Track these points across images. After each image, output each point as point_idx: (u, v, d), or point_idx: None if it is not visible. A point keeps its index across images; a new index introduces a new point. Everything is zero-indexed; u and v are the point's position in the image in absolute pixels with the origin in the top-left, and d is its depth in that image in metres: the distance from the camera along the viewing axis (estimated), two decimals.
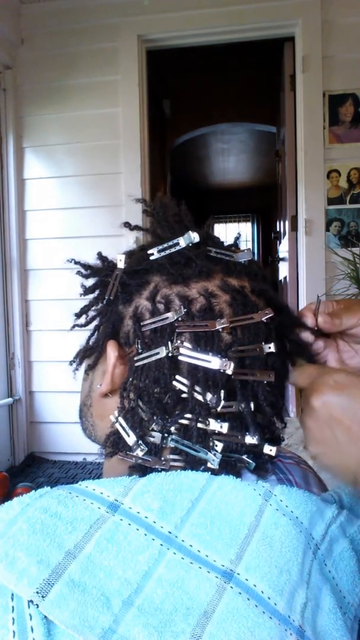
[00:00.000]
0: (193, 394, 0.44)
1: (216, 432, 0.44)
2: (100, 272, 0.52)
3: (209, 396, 0.43)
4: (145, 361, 0.45)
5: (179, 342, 0.44)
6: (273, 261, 3.54)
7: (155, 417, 0.44)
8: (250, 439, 0.45)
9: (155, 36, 2.65)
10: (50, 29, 2.69)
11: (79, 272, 0.53)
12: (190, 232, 0.47)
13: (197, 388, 0.44)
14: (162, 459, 0.45)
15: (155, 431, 0.45)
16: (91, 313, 0.53)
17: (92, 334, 0.53)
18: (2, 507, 0.37)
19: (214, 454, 0.44)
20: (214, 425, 0.44)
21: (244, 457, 0.45)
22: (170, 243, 0.47)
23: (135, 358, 0.46)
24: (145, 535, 0.37)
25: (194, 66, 3.70)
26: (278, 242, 3.43)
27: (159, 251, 0.47)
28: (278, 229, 3.47)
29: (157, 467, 0.44)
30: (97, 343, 0.51)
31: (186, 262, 0.46)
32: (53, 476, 2.58)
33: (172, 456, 0.45)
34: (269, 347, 0.46)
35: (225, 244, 0.52)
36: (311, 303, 0.52)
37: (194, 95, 4.27)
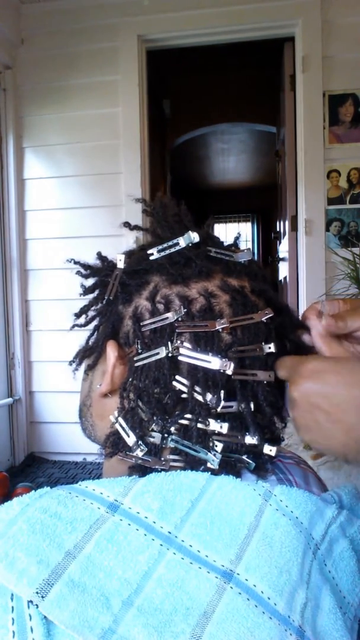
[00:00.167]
0: (193, 394, 0.44)
1: (216, 432, 0.44)
2: (99, 272, 0.52)
3: (208, 396, 0.43)
4: (145, 361, 0.45)
5: (178, 342, 0.44)
6: (273, 261, 3.54)
7: (155, 418, 0.44)
8: (250, 439, 0.45)
9: (155, 36, 2.65)
10: (50, 29, 2.69)
11: (78, 272, 0.53)
12: (190, 232, 0.47)
13: (197, 388, 0.44)
14: (162, 459, 0.45)
15: (155, 431, 0.45)
16: (91, 313, 0.53)
17: (91, 334, 0.53)
18: (2, 507, 0.37)
19: (214, 454, 0.44)
20: (214, 425, 0.44)
21: (244, 457, 0.45)
22: (170, 243, 0.47)
23: (135, 358, 0.46)
24: (145, 535, 0.37)
25: (194, 66, 3.70)
26: (278, 242, 3.43)
27: (158, 251, 0.47)
28: (278, 229, 3.47)
29: (157, 467, 0.44)
30: (97, 343, 0.51)
31: (186, 262, 0.46)
32: (53, 476, 2.58)
33: (172, 456, 0.45)
34: (269, 347, 0.46)
35: (225, 244, 0.52)
36: (316, 303, 0.51)
37: (194, 95, 4.27)
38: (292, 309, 0.52)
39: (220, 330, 0.44)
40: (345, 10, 2.46)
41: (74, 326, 0.53)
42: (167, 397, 0.44)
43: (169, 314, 0.44)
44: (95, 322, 0.52)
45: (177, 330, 0.44)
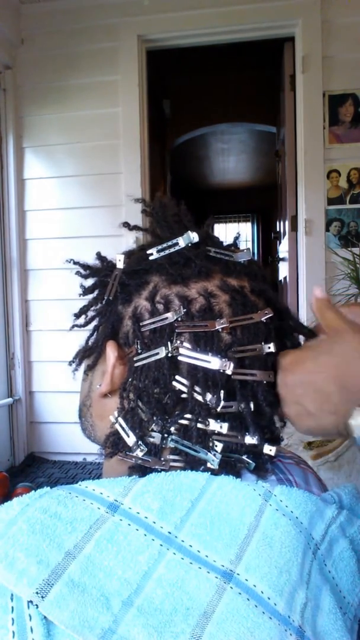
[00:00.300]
0: (193, 394, 0.44)
1: (216, 432, 0.44)
2: (99, 272, 0.52)
3: (208, 396, 0.43)
4: (144, 361, 0.45)
5: (178, 342, 0.44)
6: (273, 261, 3.54)
7: (155, 418, 0.44)
8: (250, 439, 0.45)
9: (155, 36, 2.65)
10: (50, 29, 2.69)
11: (78, 273, 0.53)
12: (189, 232, 0.47)
13: (197, 388, 0.44)
14: (162, 459, 0.45)
15: (155, 431, 0.45)
16: (90, 313, 0.53)
17: (91, 334, 0.53)
18: (2, 508, 0.37)
19: (214, 454, 0.44)
20: (214, 425, 0.44)
21: (244, 457, 0.45)
22: (170, 243, 0.47)
23: (135, 358, 0.46)
24: (145, 535, 0.37)
25: (194, 66, 3.70)
26: (278, 242, 3.43)
27: (158, 251, 0.47)
28: (278, 229, 3.47)
29: (156, 467, 0.44)
30: (97, 343, 0.51)
31: (185, 262, 0.46)
32: (53, 476, 2.58)
33: (171, 456, 0.45)
34: (269, 347, 0.46)
35: (225, 244, 0.52)
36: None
37: (194, 95, 4.27)
38: (292, 311, 0.52)
39: (220, 330, 0.44)
40: (345, 10, 2.46)
41: (73, 326, 0.53)
42: (167, 397, 0.44)
43: (168, 314, 0.44)
44: (94, 323, 0.52)
45: (176, 330, 0.44)
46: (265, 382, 0.46)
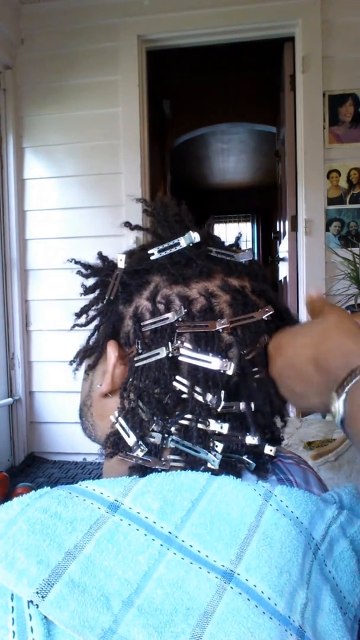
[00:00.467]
0: (193, 394, 0.43)
1: (216, 432, 0.44)
2: (100, 271, 0.52)
3: (209, 397, 0.43)
4: (145, 361, 0.45)
5: (179, 342, 0.44)
6: (273, 261, 3.54)
7: (155, 418, 0.44)
8: (250, 440, 0.45)
9: (155, 36, 2.65)
10: (50, 29, 2.70)
11: (79, 272, 0.53)
12: (190, 232, 0.47)
13: (197, 389, 0.43)
14: (162, 459, 0.45)
15: (155, 432, 0.45)
16: (91, 313, 0.53)
17: (92, 334, 0.53)
18: (2, 508, 0.37)
19: (214, 455, 0.44)
20: (214, 425, 0.44)
21: (244, 457, 0.45)
22: (171, 243, 0.47)
23: (136, 358, 0.46)
24: (146, 535, 0.37)
25: (194, 66, 3.70)
26: (278, 242, 3.43)
27: (159, 251, 0.47)
28: (278, 229, 3.47)
29: (157, 467, 0.44)
30: (97, 343, 0.51)
31: (187, 262, 0.46)
32: (53, 476, 2.58)
33: (172, 456, 0.45)
34: (264, 339, 0.46)
35: (226, 244, 0.52)
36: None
37: (194, 95, 4.27)
38: (292, 311, 0.52)
39: (221, 330, 0.44)
40: (345, 10, 2.46)
41: (74, 326, 0.53)
42: (168, 397, 0.44)
43: (169, 314, 0.44)
44: (95, 322, 0.52)
45: (177, 331, 0.44)
46: (266, 379, 0.46)
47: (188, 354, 0.44)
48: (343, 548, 0.41)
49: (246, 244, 7.86)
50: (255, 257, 0.52)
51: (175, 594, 0.34)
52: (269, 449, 0.46)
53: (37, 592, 0.32)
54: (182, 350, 0.44)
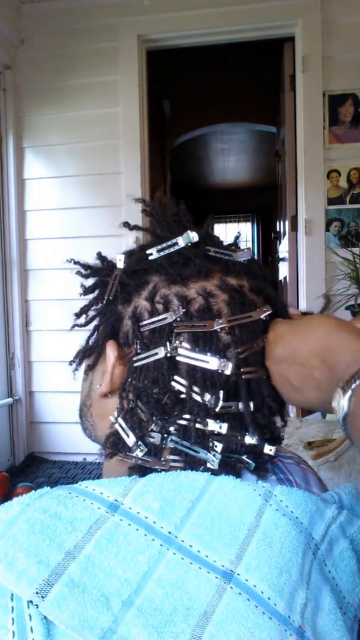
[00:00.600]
0: (191, 394, 0.43)
1: (215, 432, 0.44)
2: (99, 272, 0.52)
3: (207, 397, 0.43)
4: (144, 361, 0.45)
5: (177, 342, 0.44)
6: (273, 261, 3.54)
7: (154, 418, 0.44)
8: (249, 439, 0.45)
9: (155, 36, 2.65)
10: (50, 29, 2.69)
11: (78, 272, 0.53)
12: (189, 231, 0.47)
13: (196, 388, 0.43)
14: (162, 459, 0.45)
15: (154, 432, 0.45)
16: (91, 313, 0.53)
17: (91, 334, 0.53)
18: (2, 508, 0.37)
19: (214, 455, 0.44)
20: (213, 425, 0.44)
21: (244, 457, 0.45)
22: (169, 243, 0.47)
23: (134, 358, 0.46)
24: (145, 535, 0.37)
25: (194, 66, 3.70)
26: (278, 242, 3.43)
27: (158, 251, 0.47)
28: (278, 229, 3.47)
29: (157, 467, 0.44)
30: (97, 343, 0.51)
31: (185, 261, 0.46)
32: (53, 476, 2.58)
33: (171, 457, 0.45)
34: (262, 340, 0.46)
35: (225, 243, 0.52)
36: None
37: (194, 95, 4.27)
38: (291, 309, 0.52)
39: (219, 330, 0.44)
40: (345, 10, 2.46)
41: (74, 326, 0.53)
42: (166, 397, 0.44)
43: (167, 314, 0.44)
44: (95, 322, 0.52)
45: (175, 331, 0.44)
46: (265, 378, 0.46)
47: (186, 354, 0.44)
48: (343, 548, 0.41)
49: (246, 244, 7.86)
50: (255, 256, 0.52)
51: (175, 594, 0.34)
52: (268, 449, 0.46)
53: (37, 592, 0.32)
54: (180, 350, 0.44)
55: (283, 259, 3.00)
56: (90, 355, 0.52)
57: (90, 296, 0.53)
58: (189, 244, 0.46)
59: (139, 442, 0.45)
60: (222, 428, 0.44)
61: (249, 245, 7.99)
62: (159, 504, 0.38)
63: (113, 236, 2.57)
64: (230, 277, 0.47)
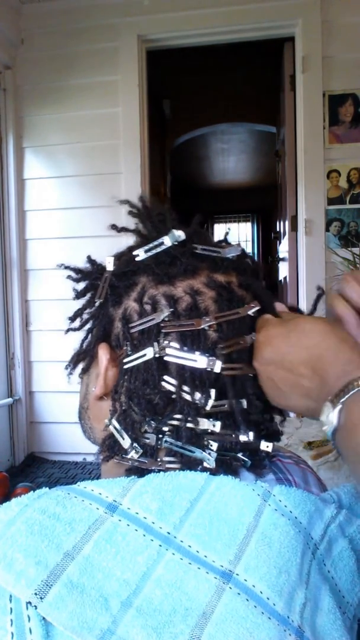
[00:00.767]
0: (181, 394, 0.43)
1: (209, 431, 0.44)
2: (90, 275, 0.52)
3: (197, 396, 0.43)
4: (134, 363, 0.45)
5: (166, 342, 0.44)
6: (273, 261, 3.55)
7: (146, 419, 0.44)
8: (244, 437, 0.44)
9: (155, 36, 2.65)
10: (50, 29, 2.69)
11: (69, 277, 0.53)
12: (174, 230, 0.46)
13: (185, 388, 0.43)
14: (158, 460, 0.44)
15: (148, 432, 0.44)
16: (85, 316, 0.53)
17: (85, 337, 0.53)
18: (1, 508, 0.37)
19: (209, 453, 0.43)
20: (207, 424, 0.43)
21: (239, 455, 0.45)
22: (156, 243, 0.47)
23: (125, 360, 0.45)
24: (144, 535, 0.37)
25: (194, 66, 3.70)
26: (278, 242, 3.43)
27: (145, 251, 0.47)
28: (278, 229, 3.47)
29: (153, 468, 0.44)
30: (90, 346, 0.51)
31: (172, 261, 0.46)
32: (53, 476, 2.58)
33: (167, 458, 0.44)
34: (252, 338, 0.45)
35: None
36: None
37: (194, 95, 4.27)
38: (278, 304, 0.51)
39: (207, 328, 0.44)
40: (345, 10, 2.46)
41: (68, 330, 0.53)
42: (158, 397, 0.44)
43: (155, 315, 0.44)
44: (89, 325, 0.52)
45: (163, 331, 0.44)
46: (253, 375, 0.45)
47: (174, 354, 0.43)
48: (342, 547, 0.41)
49: (246, 244, 7.87)
50: (244, 251, 0.51)
51: (174, 595, 0.34)
52: (265, 445, 0.46)
53: (36, 593, 0.32)
54: (168, 350, 0.44)
55: (283, 259, 3.00)
56: (84, 358, 0.52)
57: (84, 299, 0.53)
58: (176, 243, 0.46)
59: (134, 444, 0.44)
60: (216, 426, 0.43)
61: (249, 245, 8.00)
62: (158, 504, 0.38)
63: (113, 236, 2.51)
64: (218, 274, 0.47)
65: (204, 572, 0.36)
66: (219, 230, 7.98)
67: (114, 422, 0.46)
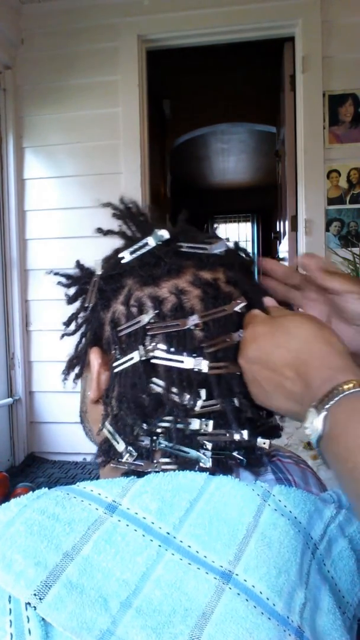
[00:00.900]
0: (169, 395, 0.43)
1: (202, 431, 0.43)
2: (79, 280, 0.52)
3: (186, 397, 0.43)
4: (122, 366, 0.44)
5: (152, 344, 0.44)
6: None
7: (138, 422, 0.44)
8: (237, 435, 0.44)
9: (155, 36, 2.65)
10: (50, 29, 2.69)
11: (59, 283, 0.53)
12: (157, 230, 0.46)
13: (174, 389, 0.43)
14: (154, 462, 0.44)
15: (142, 435, 0.44)
16: (80, 320, 0.53)
17: (79, 342, 0.52)
18: (0, 509, 0.37)
19: (204, 453, 0.43)
20: (198, 424, 0.43)
21: (235, 453, 0.45)
22: (140, 244, 0.47)
23: (114, 364, 0.45)
24: (144, 536, 0.36)
25: (194, 66, 3.70)
26: (278, 242, 3.43)
27: (130, 253, 0.47)
28: (278, 229, 3.47)
29: (150, 470, 0.44)
30: (82, 351, 0.51)
31: (156, 261, 0.46)
32: (53, 476, 2.58)
33: (163, 459, 0.44)
34: (239, 335, 0.45)
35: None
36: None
37: (194, 95, 4.27)
38: (267, 299, 0.50)
39: (193, 327, 0.43)
40: (345, 10, 2.46)
41: (63, 335, 0.53)
42: (147, 400, 0.43)
43: (141, 317, 0.44)
44: (82, 330, 0.52)
45: (149, 333, 0.44)
46: (239, 373, 0.44)
47: (161, 356, 0.43)
48: (342, 547, 0.41)
49: (246, 244, 7.87)
50: (237, 245, 0.51)
51: (174, 595, 0.34)
52: (262, 442, 0.45)
53: (35, 594, 0.32)
54: (155, 352, 0.43)
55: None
56: (78, 363, 0.52)
57: (77, 304, 0.53)
58: (160, 242, 0.46)
59: (128, 447, 0.44)
60: (209, 426, 0.43)
61: (249, 245, 8.00)
62: (157, 504, 0.38)
63: (113, 236, 2.56)
64: (204, 272, 0.46)
65: (204, 572, 0.35)
66: (219, 231, 7.96)
67: (107, 425, 0.45)
